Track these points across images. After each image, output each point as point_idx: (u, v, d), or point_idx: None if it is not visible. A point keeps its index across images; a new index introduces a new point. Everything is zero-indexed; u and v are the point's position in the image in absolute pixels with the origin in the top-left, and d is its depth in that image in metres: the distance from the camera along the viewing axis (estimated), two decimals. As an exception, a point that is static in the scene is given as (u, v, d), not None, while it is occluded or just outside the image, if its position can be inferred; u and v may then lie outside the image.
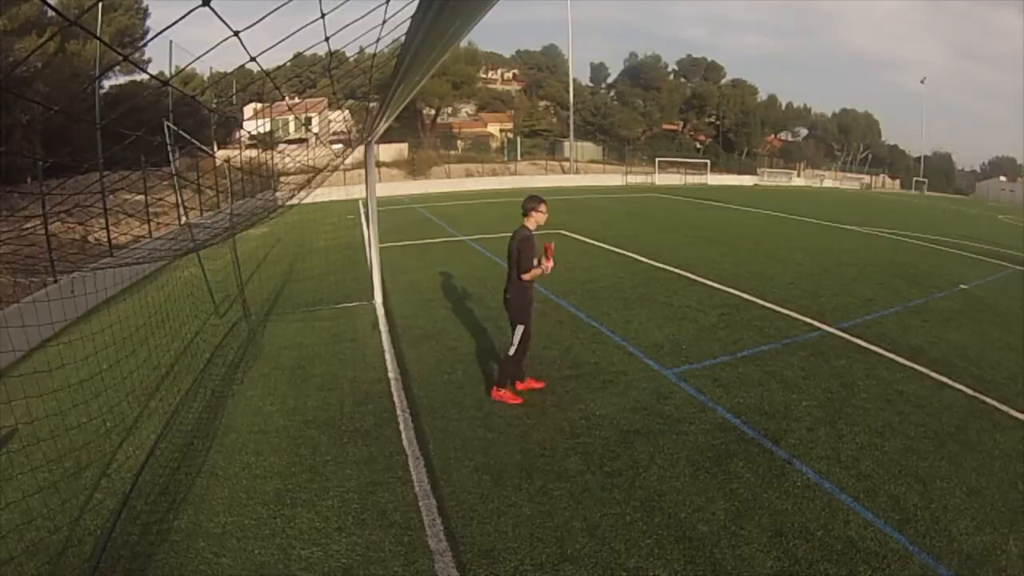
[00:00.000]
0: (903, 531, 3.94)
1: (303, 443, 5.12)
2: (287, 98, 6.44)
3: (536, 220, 5.71)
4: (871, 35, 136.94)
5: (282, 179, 10.21)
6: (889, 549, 3.77)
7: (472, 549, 3.78)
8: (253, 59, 2.21)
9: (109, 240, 11.35)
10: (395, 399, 5.98)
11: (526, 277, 5.54)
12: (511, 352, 5.84)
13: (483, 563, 3.66)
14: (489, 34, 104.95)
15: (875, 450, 4.99)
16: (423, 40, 2.52)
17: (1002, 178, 67.81)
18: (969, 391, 6.27)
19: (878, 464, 4.77)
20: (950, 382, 6.50)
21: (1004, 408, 5.87)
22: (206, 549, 3.75)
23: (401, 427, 5.37)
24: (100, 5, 24.26)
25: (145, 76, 33.13)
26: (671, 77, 63.32)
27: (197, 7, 1.64)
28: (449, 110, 56.84)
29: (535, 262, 5.55)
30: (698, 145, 62.32)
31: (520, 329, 5.76)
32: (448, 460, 4.83)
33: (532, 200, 5.71)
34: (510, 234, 5.61)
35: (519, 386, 6.08)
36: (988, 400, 6.05)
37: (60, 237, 10.31)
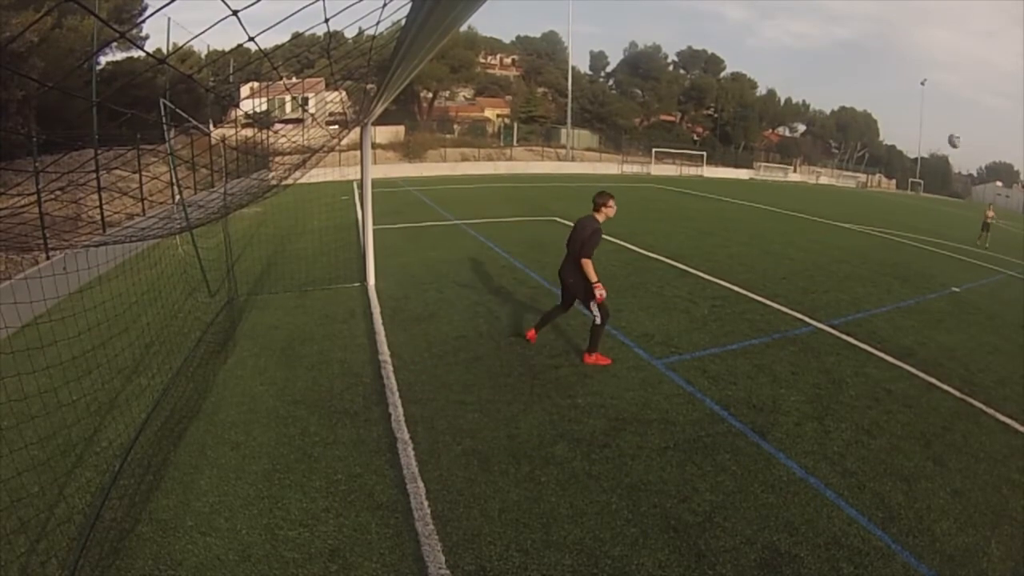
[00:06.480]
0: (886, 529, 3.99)
1: (292, 423, 5.12)
2: (284, 78, 6.38)
3: (606, 214, 6.32)
4: (871, 34, 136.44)
5: (277, 159, 10.16)
6: (872, 547, 3.81)
7: (458, 532, 3.80)
8: (252, 39, 2.19)
9: (103, 217, 11.27)
10: (385, 381, 5.98)
11: (588, 265, 6.08)
12: (597, 321, 6.33)
13: (469, 547, 3.68)
14: (489, 19, 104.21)
15: (861, 447, 5.04)
16: (423, 24, 2.51)
17: (998, 183, 68.18)
18: (957, 393, 6.34)
19: (863, 462, 4.82)
20: (938, 383, 6.56)
21: (990, 411, 5.93)
22: (193, 528, 3.75)
23: (390, 409, 5.38)
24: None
25: (142, 53, 32.76)
26: (670, 68, 63.11)
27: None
28: (447, 94, 56.56)
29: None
30: (695, 137, 62.21)
31: (595, 304, 6.26)
32: (436, 443, 4.85)
33: (602, 196, 6.30)
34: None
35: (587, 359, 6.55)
36: (975, 403, 6.12)
37: (53, 214, 10.22)
